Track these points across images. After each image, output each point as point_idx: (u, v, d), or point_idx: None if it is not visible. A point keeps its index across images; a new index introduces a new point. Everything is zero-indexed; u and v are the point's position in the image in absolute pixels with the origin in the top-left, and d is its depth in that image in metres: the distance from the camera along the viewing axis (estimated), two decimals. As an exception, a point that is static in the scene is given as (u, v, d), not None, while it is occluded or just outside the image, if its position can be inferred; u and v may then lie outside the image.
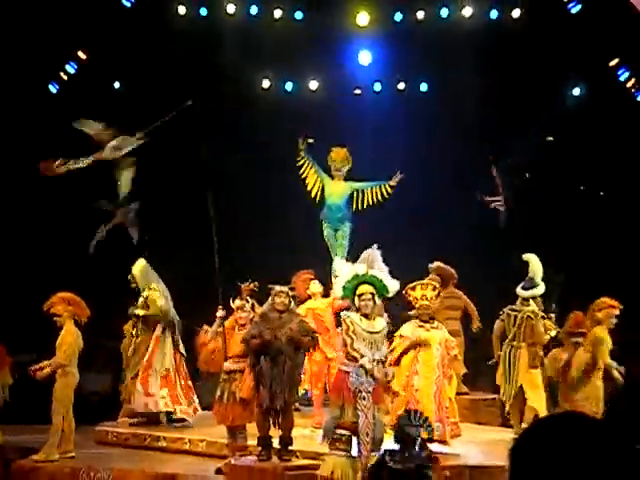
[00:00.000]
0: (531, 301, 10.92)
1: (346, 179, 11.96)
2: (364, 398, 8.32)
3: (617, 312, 10.36)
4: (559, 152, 14.81)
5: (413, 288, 10.03)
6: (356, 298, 8.64)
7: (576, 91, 15.21)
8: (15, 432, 11.20)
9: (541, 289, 11.02)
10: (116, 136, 12.83)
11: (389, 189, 11.80)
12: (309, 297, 11.43)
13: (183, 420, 11.50)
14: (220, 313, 9.83)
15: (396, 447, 7.66)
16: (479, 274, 13.55)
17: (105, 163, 12.85)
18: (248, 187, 15.18)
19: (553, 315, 11.00)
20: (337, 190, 11.83)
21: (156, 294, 11.79)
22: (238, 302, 9.85)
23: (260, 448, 9.09)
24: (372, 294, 8.60)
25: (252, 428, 9.44)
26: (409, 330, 9.91)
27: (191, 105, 12.11)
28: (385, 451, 7.48)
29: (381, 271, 8.90)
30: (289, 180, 12.82)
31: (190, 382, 11.74)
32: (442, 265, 12.78)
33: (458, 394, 12.04)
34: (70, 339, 10.26)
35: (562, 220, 14.47)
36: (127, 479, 9.20)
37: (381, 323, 8.69)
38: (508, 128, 14.54)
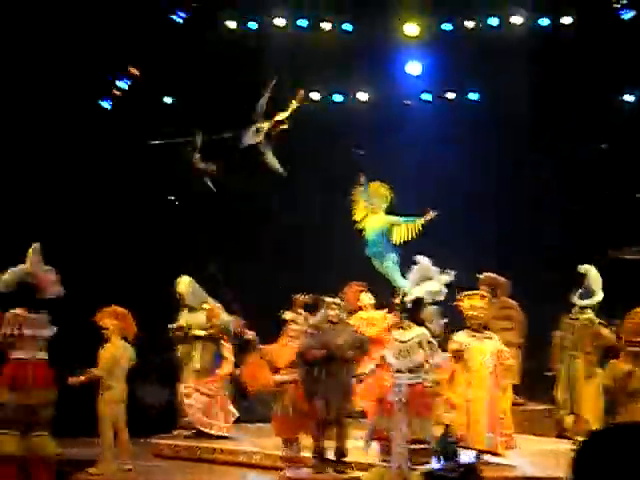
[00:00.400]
0: (588, 309, 10.84)
1: (389, 213, 12.06)
2: (399, 409, 8.30)
3: None
4: (613, 159, 14.64)
5: (461, 299, 10.05)
6: None
7: (629, 98, 15.03)
8: (66, 445, 11.28)
9: (599, 297, 10.95)
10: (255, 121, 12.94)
11: (420, 227, 11.85)
12: (360, 308, 11.43)
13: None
14: (249, 336, 9.91)
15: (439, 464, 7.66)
16: (534, 286, 13.39)
17: None
18: (302, 203, 15.20)
19: (614, 326, 10.84)
20: (372, 224, 11.98)
21: (218, 308, 11.89)
22: (290, 315, 9.85)
23: (315, 460, 9.07)
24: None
25: (305, 439, 9.43)
26: (461, 338, 9.89)
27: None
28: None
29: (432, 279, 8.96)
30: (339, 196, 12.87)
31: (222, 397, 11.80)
32: (491, 275, 12.68)
33: (513, 405, 11.94)
34: (111, 353, 10.19)
35: (612, 226, 14.27)
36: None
37: (413, 332, 8.67)
38: (561, 136, 14.43)
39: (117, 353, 10.24)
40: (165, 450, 11.39)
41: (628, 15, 13.85)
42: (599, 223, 14.20)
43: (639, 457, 1.90)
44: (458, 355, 9.78)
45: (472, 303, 10.01)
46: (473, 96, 15.63)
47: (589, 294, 10.91)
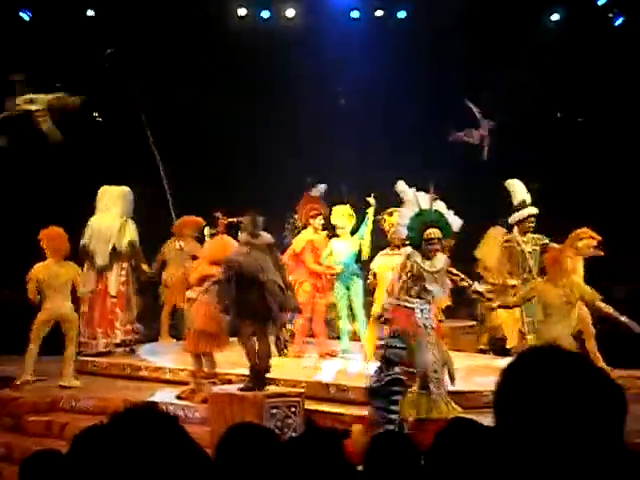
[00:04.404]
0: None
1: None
2: (429, 334, 8.23)
3: (595, 243, 10.49)
4: (537, 80, 14.73)
5: (390, 214, 10.08)
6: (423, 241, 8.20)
7: (554, 17, 15.09)
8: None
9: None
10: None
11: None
12: (308, 224, 11.31)
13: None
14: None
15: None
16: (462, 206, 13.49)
17: None
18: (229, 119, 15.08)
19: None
20: (344, 250, 11.15)
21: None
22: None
23: (250, 376, 9.10)
24: (439, 238, 8.20)
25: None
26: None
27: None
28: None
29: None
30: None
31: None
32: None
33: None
34: (35, 273, 10.33)
35: (541, 148, 14.44)
36: (108, 408, 9.20)
37: (441, 260, 8.35)
38: (487, 55, 14.45)
39: (45, 273, 10.31)
40: (89, 367, 11.37)
41: None
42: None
43: (554, 380, 1.88)
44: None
45: (393, 220, 10.02)
46: (401, 14, 15.53)
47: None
